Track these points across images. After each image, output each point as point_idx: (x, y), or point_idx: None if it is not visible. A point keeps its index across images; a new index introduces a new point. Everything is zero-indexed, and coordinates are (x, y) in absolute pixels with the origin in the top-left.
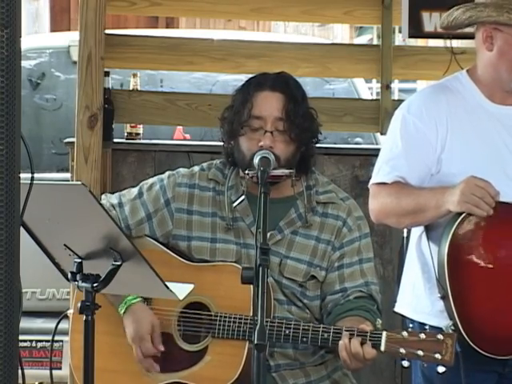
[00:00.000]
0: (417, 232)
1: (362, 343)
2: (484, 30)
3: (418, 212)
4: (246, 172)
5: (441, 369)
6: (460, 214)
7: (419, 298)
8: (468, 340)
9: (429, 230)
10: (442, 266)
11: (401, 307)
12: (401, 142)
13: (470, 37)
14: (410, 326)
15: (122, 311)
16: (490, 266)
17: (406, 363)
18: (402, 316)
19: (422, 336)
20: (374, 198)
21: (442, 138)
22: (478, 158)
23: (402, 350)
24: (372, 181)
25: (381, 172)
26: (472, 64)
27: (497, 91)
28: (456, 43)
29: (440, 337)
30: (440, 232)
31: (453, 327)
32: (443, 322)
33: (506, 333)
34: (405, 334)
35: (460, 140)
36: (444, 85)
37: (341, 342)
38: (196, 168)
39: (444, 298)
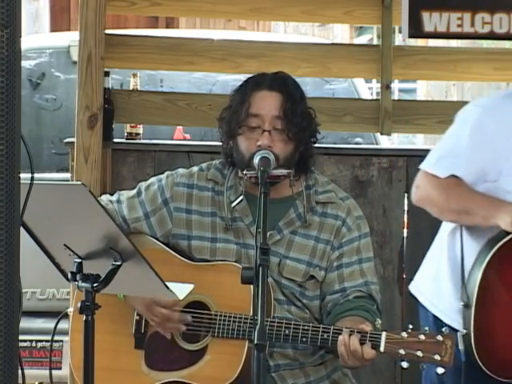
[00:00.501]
0: (450, 226)
1: (362, 343)
2: None
3: (464, 214)
4: (245, 172)
5: (440, 370)
6: (507, 233)
7: (439, 292)
8: (475, 353)
9: (467, 233)
10: (474, 279)
11: (418, 292)
12: (467, 141)
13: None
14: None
15: (121, 295)
16: None
17: (405, 364)
18: (416, 300)
19: (422, 337)
20: (423, 183)
21: (509, 149)
22: None
23: (402, 351)
24: (425, 167)
25: (437, 164)
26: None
27: None
28: (456, 43)
29: (439, 338)
30: (478, 241)
31: (465, 337)
32: (455, 323)
33: None
34: (404, 334)
35: None
36: None
37: (340, 338)
38: (195, 168)
39: (466, 306)
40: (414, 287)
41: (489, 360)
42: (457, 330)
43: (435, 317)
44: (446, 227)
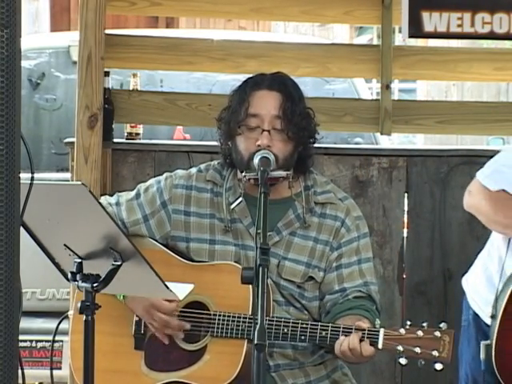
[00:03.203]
0: (500, 236)
1: (360, 340)
2: None
3: (510, 228)
4: (244, 175)
5: (438, 366)
6: None
7: (479, 289)
8: (494, 365)
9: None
10: (505, 292)
11: (465, 283)
12: None
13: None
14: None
15: (121, 297)
16: None
17: (403, 361)
18: (464, 293)
19: (420, 333)
20: (475, 193)
21: None
22: None
23: (400, 348)
24: (479, 177)
25: (491, 177)
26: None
27: None
28: (456, 43)
29: (437, 334)
30: None
31: (487, 347)
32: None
33: None
34: (402, 331)
35: None
36: None
37: (338, 341)
38: (193, 169)
39: (493, 317)
40: (465, 279)
41: (506, 372)
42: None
43: (476, 314)
44: (496, 239)
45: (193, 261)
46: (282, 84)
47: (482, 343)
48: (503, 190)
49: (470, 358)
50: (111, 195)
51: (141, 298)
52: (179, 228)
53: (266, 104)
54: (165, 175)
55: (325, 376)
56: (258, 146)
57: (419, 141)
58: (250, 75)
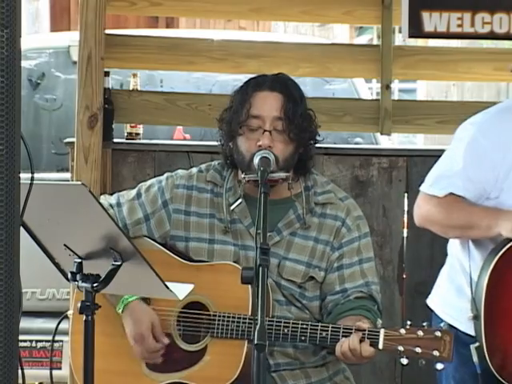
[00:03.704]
0: (458, 240)
1: (360, 341)
2: None
3: (467, 228)
4: (243, 176)
5: (439, 366)
6: (510, 240)
7: (452, 301)
8: (490, 365)
9: (473, 245)
10: (480, 288)
11: (433, 303)
12: (463, 160)
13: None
14: (441, 324)
15: (121, 310)
16: None
17: (404, 361)
18: (432, 311)
19: (420, 333)
20: (423, 204)
21: (507, 166)
22: None
23: (400, 348)
24: (424, 188)
25: (435, 185)
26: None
27: None
28: (456, 43)
29: (438, 334)
30: (483, 249)
31: (478, 349)
32: (470, 329)
33: None
34: (402, 331)
35: None
36: None
37: (339, 342)
38: (194, 170)
39: (476, 318)
40: (430, 300)
41: (505, 370)
42: (473, 337)
43: (450, 325)
44: (454, 242)
45: (192, 261)
46: (284, 85)
47: (472, 346)
48: (451, 193)
49: (453, 370)
50: (111, 194)
51: (134, 325)
52: (179, 227)
53: (268, 105)
54: (166, 175)
55: (326, 378)
56: (259, 146)
57: (419, 141)
58: (250, 75)
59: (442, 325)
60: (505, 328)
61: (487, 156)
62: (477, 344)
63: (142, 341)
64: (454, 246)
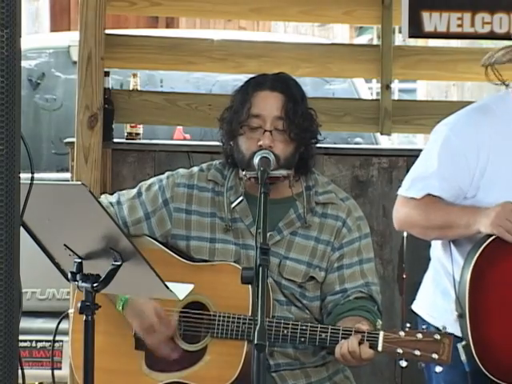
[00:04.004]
0: (439, 242)
1: (359, 343)
2: None
3: (446, 228)
4: (244, 173)
5: (438, 368)
6: (489, 236)
7: (437, 303)
8: (479, 363)
9: (453, 241)
10: (463, 286)
11: (419, 308)
12: (438, 161)
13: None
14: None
15: (120, 307)
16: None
17: (404, 363)
18: (417, 315)
19: (419, 336)
20: (401, 208)
21: (482, 164)
22: None
23: (399, 350)
24: (401, 192)
25: (412, 188)
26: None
27: None
28: (456, 43)
29: (437, 336)
30: (464, 250)
31: (466, 347)
32: (457, 331)
33: None
34: (402, 333)
35: (500, 168)
36: (489, 106)
37: (338, 344)
38: (195, 169)
39: (461, 316)
40: (415, 305)
41: (493, 366)
42: (460, 338)
43: (436, 327)
44: (436, 245)
45: (192, 260)
46: (285, 85)
47: (459, 345)
48: (428, 195)
49: (444, 373)
50: (111, 194)
51: (140, 318)
52: (180, 226)
53: (268, 104)
54: (166, 174)
55: (326, 378)
56: (260, 146)
57: (419, 141)
58: (251, 75)
59: (441, 328)
60: (490, 324)
61: (461, 155)
62: (464, 342)
63: (153, 330)
64: (436, 250)
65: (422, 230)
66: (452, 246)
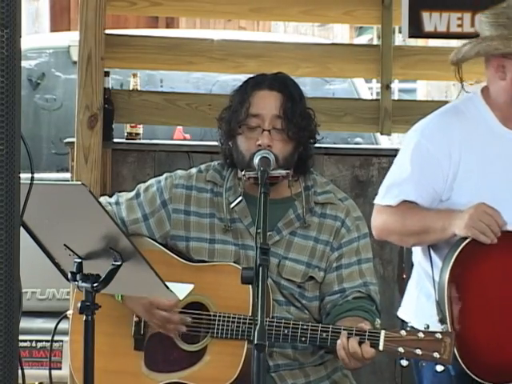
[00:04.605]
0: (419, 248)
1: (361, 342)
2: (495, 60)
3: (423, 233)
4: (244, 173)
5: (439, 368)
6: (464, 239)
7: (422, 308)
8: (463, 365)
9: (432, 246)
10: (442, 290)
11: (404, 314)
12: (411, 166)
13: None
14: (442, 327)
15: (120, 297)
16: (490, 294)
17: (404, 362)
18: (404, 322)
19: (421, 335)
20: (377, 216)
21: (454, 165)
22: (489, 188)
23: (401, 349)
24: (377, 201)
25: (388, 195)
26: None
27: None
28: (456, 43)
29: (438, 336)
30: (443, 253)
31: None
32: None
33: (502, 361)
34: (403, 332)
35: (472, 169)
36: (458, 108)
37: (339, 341)
38: (193, 170)
39: (442, 321)
40: (402, 312)
41: (478, 367)
42: None
43: None
44: (416, 250)
45: (192, 261)
46: (283, 84)
47: (445, 326)
48: (404, 201)
49: (431, 375)
50: (111, 195)
51: (138, 298)
52: (179, 227)
53: (267, 104)
54: (165, 175)
55: (325, 376)
56: (259, 145)
57: None
58: (250, 75)
59: (442, 327)
60: (471, 326)
61: (433, 158)
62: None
63: (156, 306)
64: (417, 256)
65: (399, 236)
66: (431, 250)
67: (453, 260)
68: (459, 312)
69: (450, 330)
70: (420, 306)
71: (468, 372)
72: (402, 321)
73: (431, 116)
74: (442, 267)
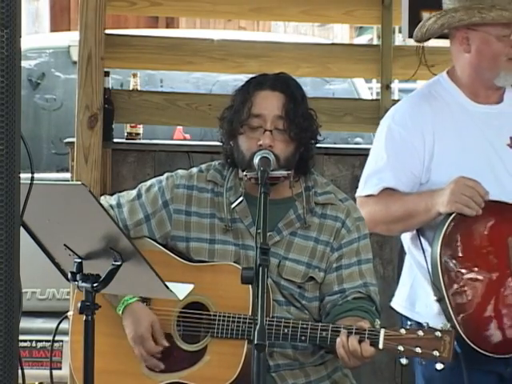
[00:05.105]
0: (408, 234)
1: (360, 341)
2: (459, 33)
3: (408, 217)
4: (244, 173)
5: (439, 366)
6: (450, 215)
7: (416, 298)
8: (467, 340)
9: (421, 232)
10: (435, 268)
11: (397, 304)
12: (386, 153)
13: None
14: (409, 323)
15: (121, 311)
16: (483, 264)
17: (404, 361)
18: (398, 313)
19: (420, 333)
20: (362, 208)
21: (429, 146)
22: (466, 163)
23: (400, 348)
24: (358, 193)
25: (367, 184)
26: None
27: (480, 90)
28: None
29: (438, 334)
30: (431, 234)
31: (451, 329)
32: (439, 324)
33: (504, 331)
34: (403, 331)
35: (447, 147)
36: (427, 91)
37: (338, 340)
38: (194, 169)
39: (440, 300)
40: (394, 302)
41: (481, 340)
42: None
43: (418, 323)
44: (406, 239)
45: (192, 261)
46: (285, 84)
47: (444, 324)
48: (385, 188)
49: (423, 366)
50: (111, 194)
51: (134, 326)
52: (180, 228)
53: (269, 104)
54: (166, 175)
55: (325, 376)
56: (260, 145)
57: None
58: (251, 75)
59: (443, 324)
60: (470, 300)
61: (407, 142)
62: (449, 325)
63: (141, 342)
64: (407, 245)
65: (386, 225)
66: (421, 237)
67: (441, 237)
68: (455, 288)
69: (448, 307)
70: (414, 296)
71: (473, 346)
72: (397, 312)
73: (400, 102)
74: (431, 247)
